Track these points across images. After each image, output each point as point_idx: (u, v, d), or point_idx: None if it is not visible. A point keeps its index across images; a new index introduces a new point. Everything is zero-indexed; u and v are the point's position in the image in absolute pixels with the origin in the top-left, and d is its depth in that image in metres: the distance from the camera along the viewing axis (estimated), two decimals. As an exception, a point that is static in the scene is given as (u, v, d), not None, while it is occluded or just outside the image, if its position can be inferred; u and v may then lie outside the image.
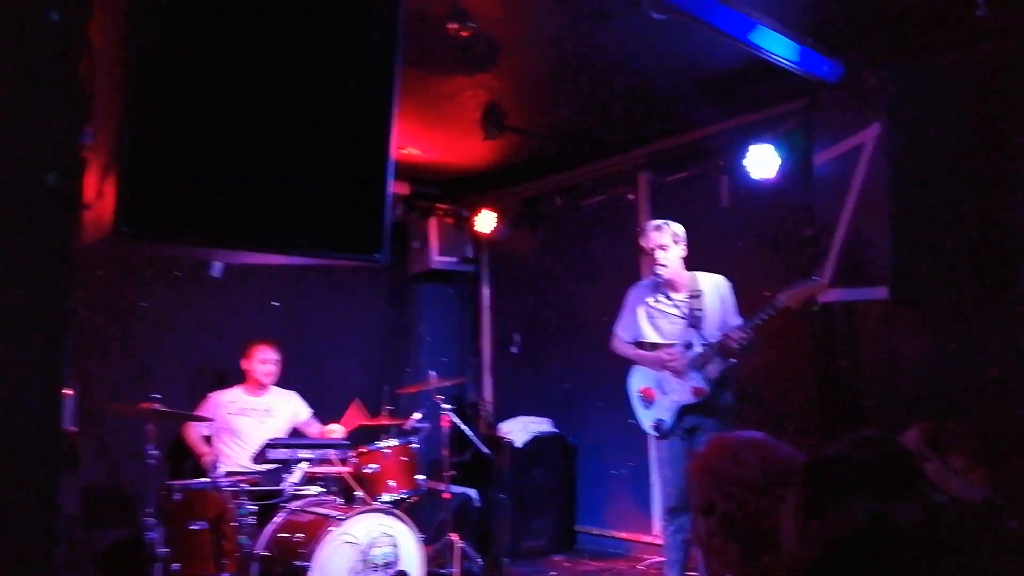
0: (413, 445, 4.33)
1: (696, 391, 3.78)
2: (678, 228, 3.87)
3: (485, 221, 5.72)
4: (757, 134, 4.20)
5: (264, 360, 4.51)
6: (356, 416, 4.65)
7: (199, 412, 4.40)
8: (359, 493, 3.87)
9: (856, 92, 3.53)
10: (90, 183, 1.58)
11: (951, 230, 3.31)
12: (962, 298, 3.40)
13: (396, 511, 3.84)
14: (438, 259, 5.84)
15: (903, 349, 3.80)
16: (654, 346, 3.96)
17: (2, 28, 1.26)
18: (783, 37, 3.27)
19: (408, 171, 5.28)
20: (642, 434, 4.06)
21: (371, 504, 3.86)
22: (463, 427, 4.80)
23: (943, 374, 3.60)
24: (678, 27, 3.25)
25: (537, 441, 5.30)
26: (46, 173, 1.28)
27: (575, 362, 5.47)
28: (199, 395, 4.61)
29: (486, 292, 6.26)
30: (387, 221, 1.75)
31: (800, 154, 4.01)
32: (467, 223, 5.89)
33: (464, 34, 3.24)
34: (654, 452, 4.07)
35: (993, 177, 3.36)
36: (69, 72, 1.37)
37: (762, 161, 4.16)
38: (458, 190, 5.87)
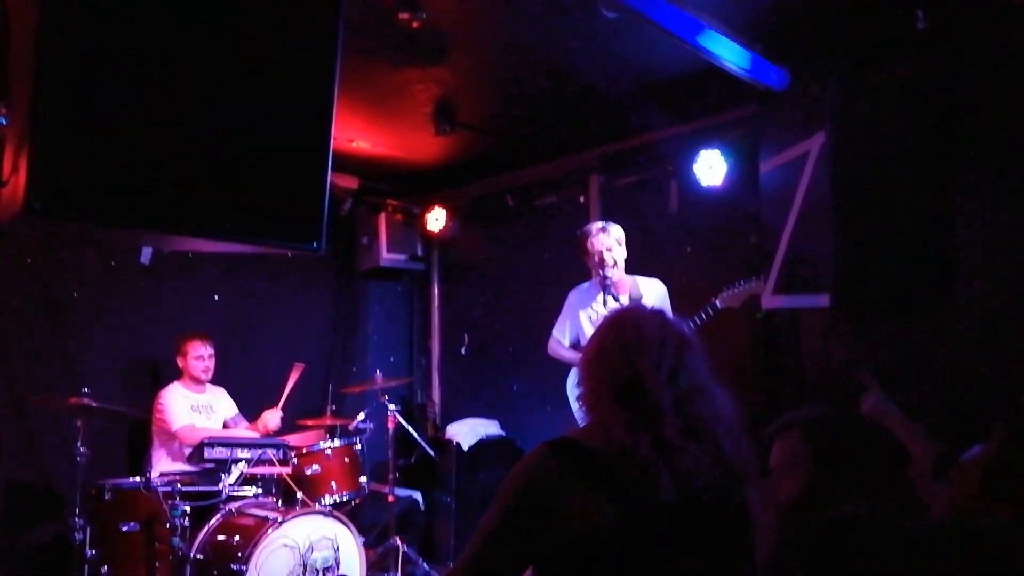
0: (357, 446, 4.24)
1: None
2: (620, 232, 3.88)
3: (436, 219, 5.66)
4: (706, 140, 4.24)
5: (198, 356, 4.38)
6: (293, 377, 4.55)
7: (176, 414, 4.21)
8: (299, 495, 3.77)
9: (802, 100, 3.59)
10: (7, 160, 1.50)
11: (891, 241, 3.38)
12: (900, 308, 3.47)
13: (337, 514, 3.76)
14: (387, 256, 5.76)
15: (844, 355, 3.87)
16: None
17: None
18: (733, 43, 3.31)
19: (357, 164, 5.19)
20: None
21: (312, 506, 3.77)
22: (409, 428, 4.73)
23: (883, 381, 3.67)
24: (631, 29, 3.26)
25: (484, 444, 5.26)
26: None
27: (524, 364, 5.44)
28: (132, 389, 4.45)
29: (436, 291, 6.20)
30: (325, 209, 1.69)
31: (747, 161, 4.06)
32: (417, 220, 5.83)
33: (415, 25, 3.18)
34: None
35: (932, 189, 3.44)
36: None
37: (710, 167, 4.20)
38: (409, 186, 5.80)
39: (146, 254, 3.05)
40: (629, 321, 1.52)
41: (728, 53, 3.29)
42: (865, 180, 3.35)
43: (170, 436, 4.23)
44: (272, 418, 4.46)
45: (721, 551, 1.39)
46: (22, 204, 1.34)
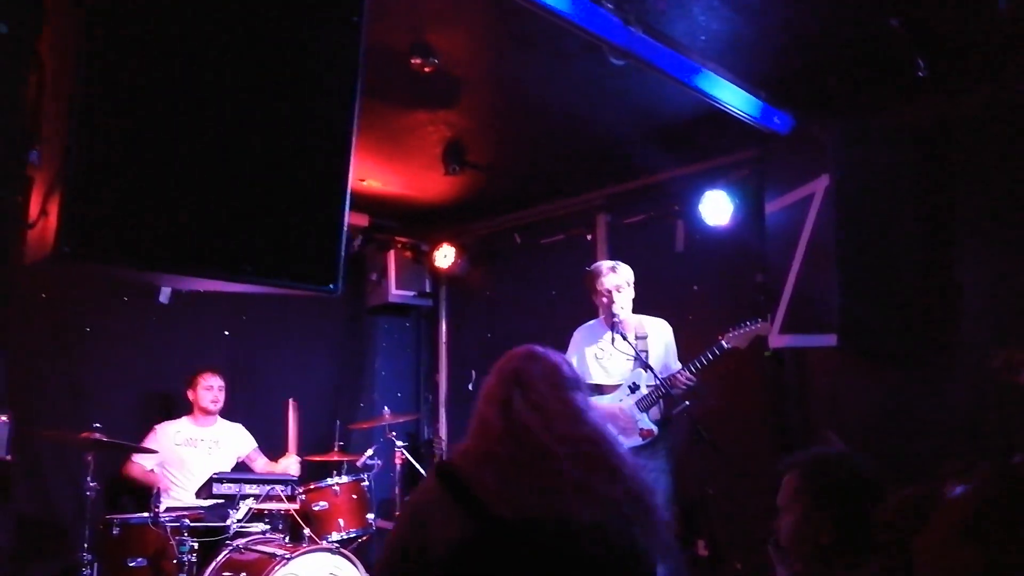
0: (364, 483, 4.24)
1: (644, 433, 3.79)
2: (630, 272, 3.92)
3: (444, 256, 5.73)
4: (712, 181, 4.30)
5: (208, 387, 4.42)
6: (293, 417, 4.57)
7: (145, 443, 4.27)
8: (307, 531, 3.77)
9: (806, 144, 3.66)
10: (35, 202, 1.55)
11: (895, 282, 3.42)
12: (906, 348, 3.49)
13: (345, 551, 3.75)
14: (396, 292, 5.81)
15: (850, 395, 3.88)
16: (600, 388, 3.97)
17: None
18: (737, 88, 3.39)
19: (368, 203, 5.27)
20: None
21: (319, 543, 3.76)
22: (417, 465, 4.73)
23: (887, 421, 3.68)
24: (637, 74, 3.34)
25: (490, 480, 5.22)
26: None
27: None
28: (142, 425, 4.47)
29: (444, 327, 6.23)
30: (342, 252, 1.74)
31: (753, 201, 4.11)
32: (426, 257, 5.89)
33: (427, 70, 3.28)
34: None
35: (934, 231, 3.49)
36: (17, 87, 1.35)
37: (716, 207, 4.25)
38: (418, 224, 5.88)
39: (165, 294, 3.10)
40: (511, 358, 1.69)
41: (733, 98, 3.37)
42: (869, 222, 3.40)
43: (169, 468, 4.28)
44: (292, 464, 4.48)
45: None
46: (52, 248, 1.39)
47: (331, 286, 1.78)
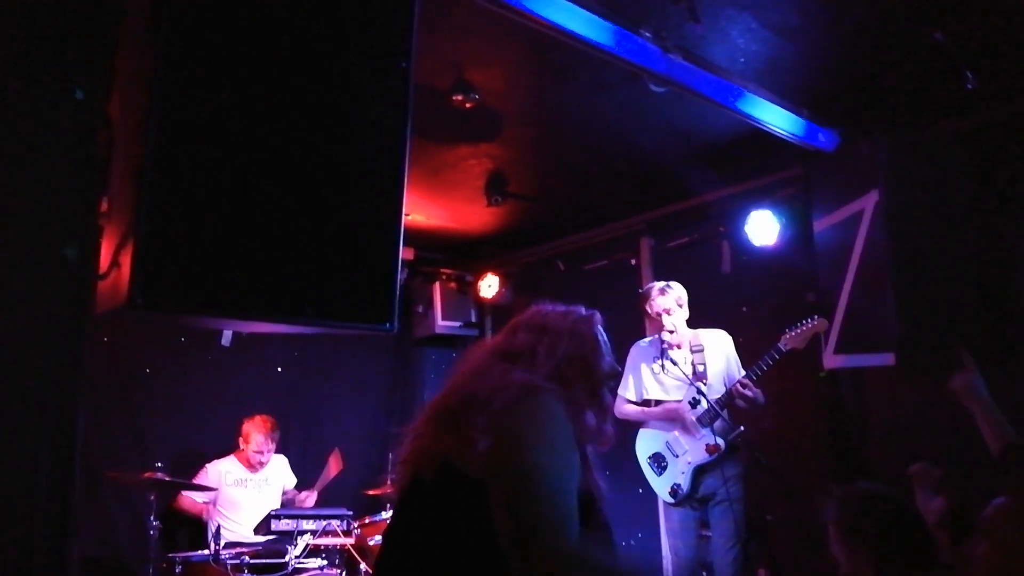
0: (417, 515, 4.24)
1: (709, 448, 3.73)
2: (682, 291, 3.90)
3: (488, 286, 5.76)
4: (757, 200, 4.27)
5: (258, 451, 4.49)
6: (335, 467, 4.60)
7: (197, 481, 4.35)
8: (363, 566, 3.78)
9: (853, 160, 3.61)
10: (105, 252, 1.61)
11: (953, 297, 3.33)
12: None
13: (399, 584, 3.75)
14: (442, 324, 5.86)
15: (911, 415, 3.78)
16: (659, 403, 3.94)
17: (31, 104, 1.31)
18: (779, 108, 3.37)
19: (412, 237, 5.35)
20: (651, 502, 4.00)
21: (374, 577, 3.77)
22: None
23: (950, 439, 3.56)
24: (677, 99, 3.35)
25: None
26: (65, 246, 1.31)
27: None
28: (193, 463, 4.56)
29: (490, 357, 6.23)
30: (397, 291, 1.77)
31: (800, 220, 4.06)
32: (471, 288, 5.93)
33: (468, 105, 3.34)
34: (664, 522, 3.99)
35: (990, 243, 3.40)
36: (90, 148, 1.42)
37: (762, 227, 4.21)
38: (462, 255, 5.93)
39: (227, 337, 3.19)
40: None
41: (775, 118, 3.35)
42: (923, 237, 3.32)
43: (221, 508, 4.34)
44: (308, 500, 4.53)
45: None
46: (126, 299, 1.44)
47: (387, 324, 1.80)
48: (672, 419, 3.84)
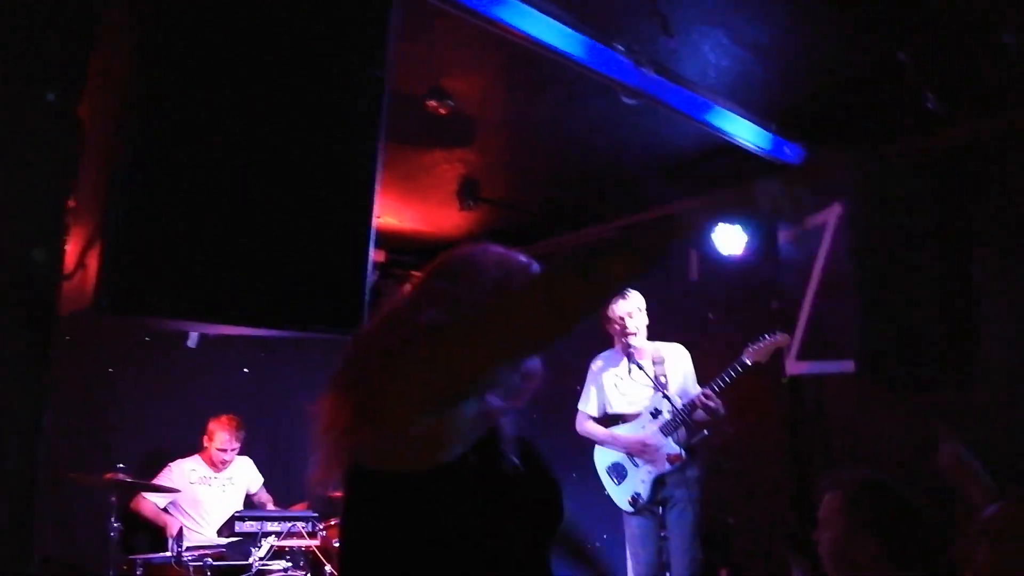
0: (384, 517, 4.24)
1: (671, 458, 3.79)
2: (640, 298, 3.95)
3: (459, 290, 5.75)
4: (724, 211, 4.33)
5: (222, 448, 4.46)
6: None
7: (159, 481, 4.30)
8: (328, 568, 3.77)
9: (817, 174, 3.69)
10: (71, 253, 1.61)
11: (913, 308, 3.42)
12: (925, 375, 3.49)
13: (365, 587, 3.75)
14: (412, 327, 5.84)
15: (869, 422, 3.87)
16: (621, 417, 3.98)
17: (2, 106, 1.30)
18: (748, 122, 3.44)
19: (384, 239, 5.34)
20: (615, 506, 4.04)
21: (339, 579, 3.76)
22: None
23: (906, 447, 3.65)
24: (649, 111, 3.40)
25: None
26: (32, 248, 1.30)
27: (547, 431, 5.43)
28: (157, 464, 4.50)
29: (460, 360, 6.24)
30: (366, 297, 1.78)
31: (766, 230, 4.14)
32: (442, 291, 5.92)
33: (442, 111, 3.36)
34: (624, 528, 4.04)
35: (952, 256, 3.50)
36: (60, 150, 1.41)
37: (729, 237, 4.28)
38: (434, 258, 5.92)
39: (193, 338, 3.16)
40: None
41: (743, 132, 3.42)
42: (885, 249, 3.41)
43: (185, 507, 4.30)
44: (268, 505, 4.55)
45: None
46: (91, 301, 1.44)
47: (356, 330, 1.82)
48: (641, 452, 3.84)
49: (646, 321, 3.96)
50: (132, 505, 4.30)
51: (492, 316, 1.20)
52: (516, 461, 1.33)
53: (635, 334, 3.88)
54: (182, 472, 4.41)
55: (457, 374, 1.17)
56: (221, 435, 4.44)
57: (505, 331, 1.16)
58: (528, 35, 2.54)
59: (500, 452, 1.31)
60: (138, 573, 3.63)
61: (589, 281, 1.15)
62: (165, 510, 4.32)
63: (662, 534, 3.85)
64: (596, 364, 4.13)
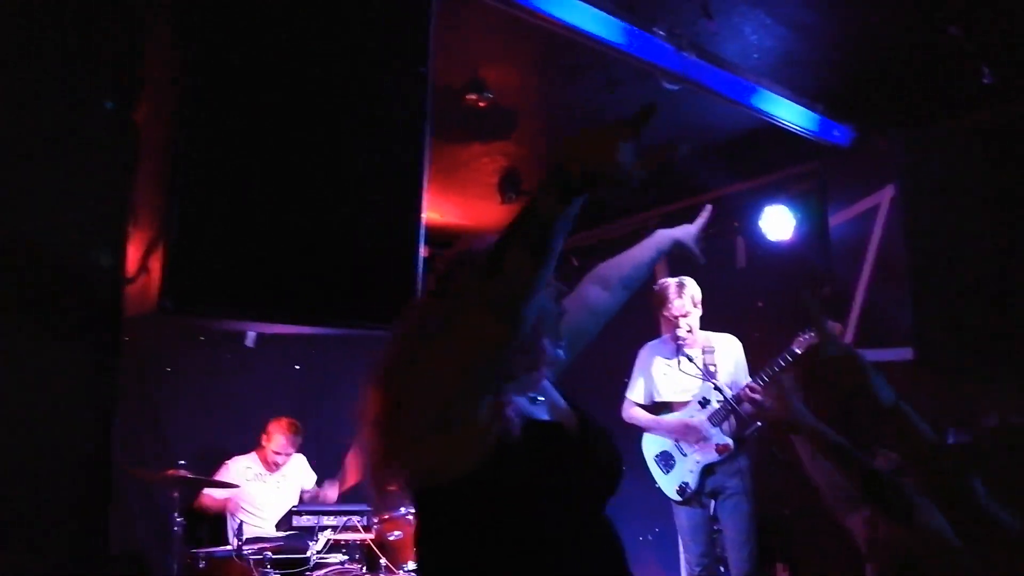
0: (437, 510, 4.28)
1: (720, 448, 3.75)
2: (696, 289, 3.90)
3: (503, 283, 5.77)
4: (772, 195, 4.27)
5: (278, 451, 4.54)
6: (354, 470, 4.64)
7: (218, 477, 4.41)
8: (383, 561, 3.83)
9: (868, 155, 3.60)
10: (133, 258, 1.65)
11: (972, 292, 3.32)
12: (983, 360, 3.39)
13: (420, 579, 3.79)
14: (457, 321, 5.87)
15: (925, 408, 3.77)
16: (667, 405, 3.95)
17: (63, 115, 1.35)
18: (794, 104, 3.37)
19: (426, 234, 5.35)
20: (667, 498, 4.01)
21: (396, 573, 3.81)
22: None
23: (965, 435, 3.55)
24: (691, 95, 3.36)
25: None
26: (98, 253, 1.34)
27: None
28: (213, 461, 4.61)
29: (505, 353, 6.25)
30: (418, 292, 1.80)
31: (816, 215, 4.06)
32: (485, 285, 5.94)
33: (482, 104, 3.36)
34: (674, 519, 4.01)
35: (1008, 237, 3.38)
36: (120, 157, 1.45)
37: (777, 222, 4.21)
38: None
39: (251, 338, 3.23)
40: None
41: (789, 114, 3.35)
42: (941, 231, 3.32)
43: (242, 504, 4.40)
44: (331, 493, 4.59)
45: None
46: (156, 304, 1.48)
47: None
48: (685, 434, 3.83)
49: (700, 313, 3.92)
50: (195, 504, 4.41)
51: (449, 330, 1.20)
52: (559, 425, 1.35)
53: (691, 331, 3.85)
54: (238, 469, 4.51)
55: (442, 391, 1.18)
56: (279, 438, 4.53)
57: (462, 342, 1.16)
58: (565, 23, 2.53)
59: (541, 428, 1.31)
60: (201, 567, 3.72)
61: (503, 278, 1.12)
62: (227, 499, 4.43)
63: (716, 527, 3.81)
64: (645, 352, 4.10)
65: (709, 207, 1.95)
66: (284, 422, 4.57)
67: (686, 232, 1.87)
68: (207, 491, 4.43)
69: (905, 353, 3.34)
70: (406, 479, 1.28)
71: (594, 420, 1.43)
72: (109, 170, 1.44)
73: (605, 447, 1.39)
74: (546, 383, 1.44)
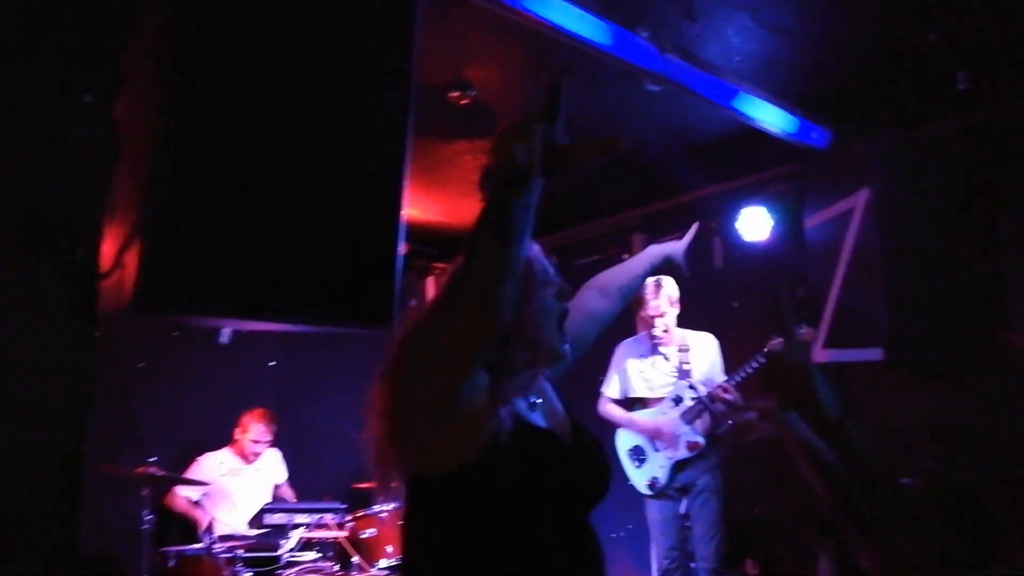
0: (411, 508, 4.26)
1: (691, 445, 3.79)
2: (673, 287, 3.93)
3: (482, 280, 5.76)
4: (749, 197, 4.30)
5: (256, 441, 4.49)
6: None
7: (189, 475, 4.35)
8: (356, 559, 3.81)
9: (845, 158, 3.65)
10: (108, 253, 1.62)
11: (942, 294, 3.38)
12: (954, 360, 3.45)
13: (394, 577, 3.78)
14: (434, 318, 5.86)
15: (898, 409, 3.84)
16: (641, 401, 3.99)
17: (42, 108, 1.31)
18: (774, 106, 3.40)
19: (408, 231, 5.33)
20: (640, 495, 4.04)
21: (368, 570, 3.80)
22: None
23: (937, 434, 3.62)
24: (672, 96, 3.37)
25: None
26: (75, 247, 1.32)
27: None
28: (187, 457, 4.55)
29: (482, 351, 6.25)
30: (398, 292, 1.79)
31: (792, 216, 4.10)
32: (464, 282, 5.93)
33: (464, 102, 3.35)
34: (646, 514, 4.05)
35: (979, 241, 3.45)
36: (98, 151, 1.42)
37: (754, 223, 4.25)
38: (456, 249, 5.93)
39: (226, 334, 3.17)
40: None
41: (769, 116, 3.38)
42: (914, 234, 3.37)
43: (216, 500, 4.34)
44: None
45: None
46: (130, 300, 1.45)
47: (387, 324, 1.83)
48: (657, 434, 3.87)
49: (677, 312, 3.96)
50: (166, 501, 4.35)
51: (438, 319, 1.26)
52: (551, 432, 1.39)
53: (667, 331, 3.88)
54: (212, 464, 4.45)
55: (437, 378, 1.22)
56: (256, 426, 4.48)
57: (448, 330, 1.21)
58: (550, 22, 2.52)
59: (533, 433, 1.36)
60: (170, 565, 3.68)
61: (475, 265, 1.17)
62: (198, 503, 4.38)
63: (686, 523, 3.86)
64: (621, 349, 4.13)
65: (696, 224, 2.04)
66: (258, 411, 4.53)
67: (675, 248, 1.99)
68: (180, 492, 4.36)
69: (876, 354, 3.39)
70: (407, 464, 1.33)
71: (586, 430, 1.48)
72: (87, 165, 1.41)
73: (595, 457, 1.43)
74: (547, 387, 1.48)
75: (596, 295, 1.76)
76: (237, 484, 4.47)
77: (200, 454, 4.53)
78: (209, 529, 3.89)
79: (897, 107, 3.52)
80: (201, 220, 1.50)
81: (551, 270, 1.49)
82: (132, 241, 1.51)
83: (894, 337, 3.35)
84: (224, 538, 3.99)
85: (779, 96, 3.44)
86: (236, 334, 3.57)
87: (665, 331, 3.87)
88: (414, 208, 4.99)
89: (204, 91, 1.55)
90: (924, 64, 3.19)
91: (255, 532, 4.06)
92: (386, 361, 1.35)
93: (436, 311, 1.29)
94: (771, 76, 3.33)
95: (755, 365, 3.73)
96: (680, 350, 3.93)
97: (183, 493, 4.36)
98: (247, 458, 4.51)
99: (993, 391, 3.45)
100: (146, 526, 3.70)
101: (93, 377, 1.32)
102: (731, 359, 3.96)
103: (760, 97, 3.32)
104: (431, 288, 5.91)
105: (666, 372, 3.88)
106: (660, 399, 3.92)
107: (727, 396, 3.68)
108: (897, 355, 3.39)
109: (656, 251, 1.94)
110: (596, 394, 4.19)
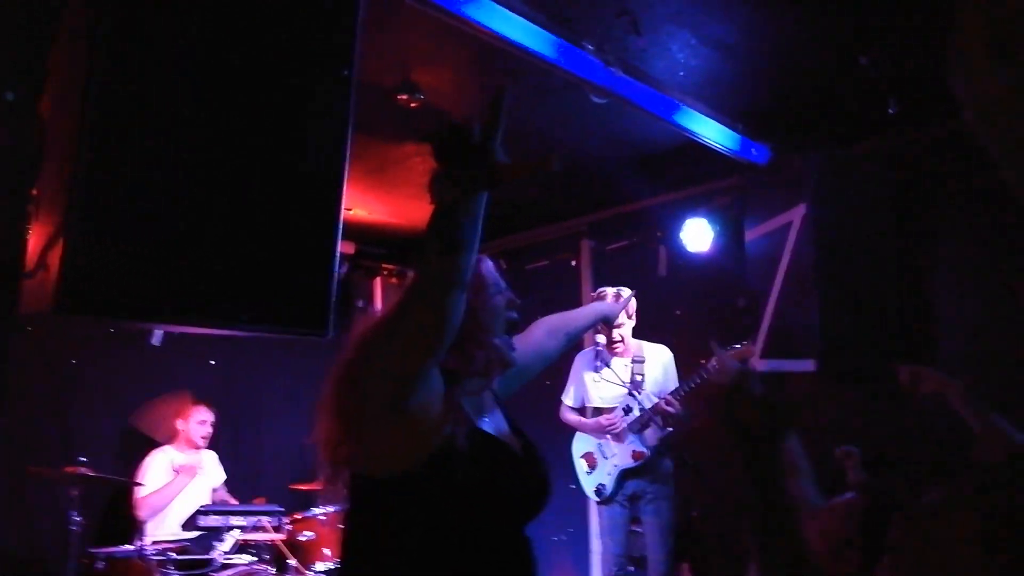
0: (350, 511, 4.23)
1: (636, 454, 3.87)
2: (632, 301, 3.98)
3: (430, 282, 5.75)
4: (693, 208, 4.40)
5: (202, 421, 4.40)
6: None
7: (142, 473, 4.20)
8: (293, 562, 3.77)
9: (784, 174, 3.76)
10: (32, 251, 1.58)
11: (874, 306, 3.51)
12: (884, 373, 3.57)
13: (331, 580, 3.76)
14: (381, 319, 5.83)
15: (830, 420, 3.96)
16: (598, 411, 4.06)
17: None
18: (715, 122, 3.48)
19: (354, 231, 5.31)
20: (582, 500, 4.10)
21: (305, 573, 3.76)
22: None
23: (868, 444, 3.74)
24: (618, 108, 3.42)
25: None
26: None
27: (522, 424, 5.47)
28: (124, 457, 4.43)
29: (429, 353, 6.24)
30: (333, 299, 1.78)
31: (733, 228, 4.20)
32: (412, 284, 5.91)
33: (413, 105, 3.35)
34: (595, 519, 4.12)
35: (909, 257, 3.59)
36: (21, 150, 1.39)
37: (697, 234, 4.34)
38: (404, 250, 5.92)
39: (157, 336, 3.10)
40: None
41: (711, 132, 3.46)
42: (847, 249, 3.49)
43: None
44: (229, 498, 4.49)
45: None
46: (53, 301, 1.43)
47: (322, 333, 1.83)
48: (600, 433, 3.98)
49: (633, 324, 4.04)
50: (135, 511, 4.11)
51: (393, 322, 1.30)
52: (503, 442, 1.46)
53: (622, 341, 3.97)
54: (160, 463, 4.30)
55: (392, 380, 1.26)
56: (197, 412, 4.38)
57: (403, 335, 1.25)
58: (497, 33, 2.55)
59: (486, 439, 1.41)
60: (99, 567, 3.58)
61: (426, 268, 1.23)
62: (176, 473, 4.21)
63: (635, 528, 3.93)
64: (578, 360, 4.21)
65: (633, 298, 2.35)
66: (186, 396, 4.43)
67: (611, 310, 2.46)
68: (144, 498, 4.16)
69: (808, 365, 3.49)
70: (357, 464, 1.35)
71: (536, 447, 1.56)
72: (10, 162, 1.37)
73: (539, 473, 1.50)
74: (497, 410, 1.56)
75: (545, 334, 1.87)
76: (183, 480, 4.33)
77: (139, 454, 4.41)
78: (141, 531, 3.80)
79: (833, 126, 3.64)
80: (128, 220, 1.48)
81: (502, 283, 1.58)
82: (55, 241, 1.48)
83: (826, 349, 3.46)
84: (156, 541, 3.90)
85: (722, 111, 3.52)
86: (167, 336, 3.49)
87: (619, 341, 3.94)
88: (363, 209, 4.97)
89: (133, 91, 1.53)
90: (859, 86, 3.31)
91: (191, 535, 3.98)
92: (340, 362, 1.37)
93: (390, 315, 1.32)
94: (714, 92, 3.41)
95: (697, 380, 3.81)
96: (635, 361, 4.01)
97: (149, 502, 4.17)
98: (196, 446, 4.40)
99: (915, 405, 3.58)
100: (74, 527, 3.61)
101: (7, 380, 1.29)
102: (677, 366, 4.05)
103: (702, 113, 3.40)
104: (379, 289, 5.87)
105: (616, 383, 3.95)
106: (612, 408, 3.99)
107: (670, 409, 3.77)
108: (827, 367, 3.49)
109: (601, 308, 2.33)
110: (558, 402, 4.26)
